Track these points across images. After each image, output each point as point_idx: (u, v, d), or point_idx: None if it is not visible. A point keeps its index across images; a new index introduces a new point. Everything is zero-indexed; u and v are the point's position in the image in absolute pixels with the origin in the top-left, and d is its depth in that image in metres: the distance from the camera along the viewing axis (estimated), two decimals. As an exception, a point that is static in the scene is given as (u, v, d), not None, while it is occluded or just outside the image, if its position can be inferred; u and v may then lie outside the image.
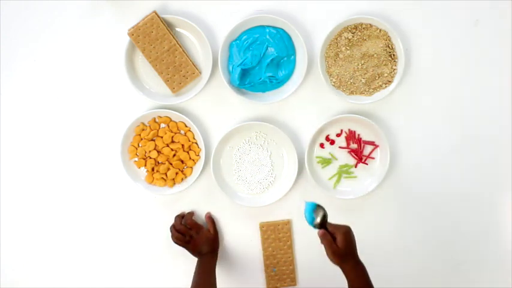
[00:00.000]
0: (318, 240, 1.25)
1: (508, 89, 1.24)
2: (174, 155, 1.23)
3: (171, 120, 1.23)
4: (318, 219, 1.07)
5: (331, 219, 1.27)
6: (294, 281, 1.28)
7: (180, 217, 1.24)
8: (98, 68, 1.23)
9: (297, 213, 1.26)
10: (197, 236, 1.21)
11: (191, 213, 1.25)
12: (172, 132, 1.23)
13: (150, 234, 1.28)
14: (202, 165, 1.22)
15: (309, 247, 1.27)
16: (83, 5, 1.21)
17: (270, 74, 1.20)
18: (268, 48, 1.20)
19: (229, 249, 1.28)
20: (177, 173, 1.23)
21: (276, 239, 1.26)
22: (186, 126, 1.23)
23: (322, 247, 1.25)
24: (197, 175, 1.22)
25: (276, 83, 1.22)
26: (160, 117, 1.23)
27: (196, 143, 1.23)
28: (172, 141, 1.23)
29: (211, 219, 1.26)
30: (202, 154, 1.22)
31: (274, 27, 1.19)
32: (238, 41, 1.19)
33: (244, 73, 1.20)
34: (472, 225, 1.28)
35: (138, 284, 1.29)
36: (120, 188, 1.26)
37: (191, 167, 1.24)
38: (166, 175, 1.23)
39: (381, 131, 1.21)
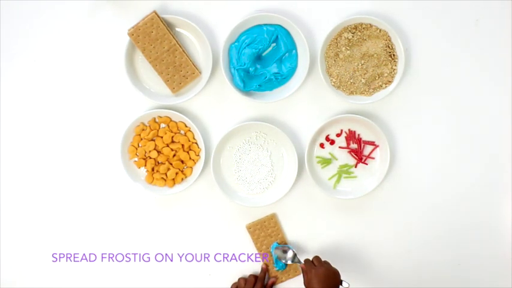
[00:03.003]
0: (322, 241, 1.26)
1: (508, 89, 1.24)
2: (174, 155, 1.23)
3: (171, 120, 1.23)
4: (290, 253, 1.23)
5: (331, 220, 1.27)
6: (297, 271, 1.28)
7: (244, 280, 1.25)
8: (98, 68, 1.23)
9: (300, 214, 1.26)
10: None
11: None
12: (172, 132, 1.23)
13: (150, 234, 1.28)
14: (202, 165, 1.22)
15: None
16: (83, 5, 1.21)
17: (275, 71, 1.20)
18: (270, 45, 1.20)
19: (229, 249, 1.28)
20: (177, 173, 1.23)
21: (267, 235, 1.26)
22: (186, 126, 1.23)
23: (326, 248, 1.26)
24: (197, 175, 1.22)
25: (282, 79, 1.22)
26: (160, 117, 1.23)
27: (196, 143, 1.23)
28: (172, 141, 1.23)
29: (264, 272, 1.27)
30: (202, 154, 1.22)
31: (271, 25, 1.19)
32: (237, 43, 1.19)
33: (248, 75, 1.20)
34: (472, 225, 1.28)
35: (138, 284, 1.29)
36: (120, 188, 1.26)
37: (191, 167, 1.24)
38: (166, 175, 1.23)
39: (380, 131, 1.21)
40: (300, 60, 1.21)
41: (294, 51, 1.21)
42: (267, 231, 1.26)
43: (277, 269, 1.26)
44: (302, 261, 1.17)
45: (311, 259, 1.17)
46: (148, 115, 1.21)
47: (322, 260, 1.17)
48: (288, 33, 1.20)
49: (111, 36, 1.21)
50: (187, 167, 1.24)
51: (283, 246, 1.24)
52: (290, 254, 1.23)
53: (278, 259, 1.24)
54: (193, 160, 1.23)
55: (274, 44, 1.21)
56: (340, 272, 1.14)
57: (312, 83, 1.23)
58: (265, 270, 1.26)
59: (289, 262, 1.23)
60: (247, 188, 1.25)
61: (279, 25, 1.20)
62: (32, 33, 1.22)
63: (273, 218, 1.26)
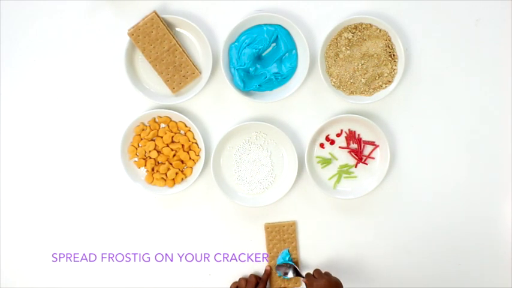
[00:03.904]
0: (323, 241, 1.26)
1: (508, 88, 1.24)
2: (174, 155, 1.23)
3: (171, 120, 1.23)
4: (290, 274, 1.23)
5: (331, 220, 1.27)
6: (298, 282, 1.28)
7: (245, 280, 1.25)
8: (98, 68, 1.23)
9: (300, 214, 1.27)
10: None
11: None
12: (172, 132, 1.23)
13: (150, 234, 1.27)
14: (202, 165, 1.22)
15: (313, 248, 1.27)
16: (83, 5, 1.21)
17: (275, 71, 1.20)
18: (270, 45, 1.20)
19: (229, 249, 1.28)
20: (177, 173, 1.23)
21: (281, 240, 1.26)
22: (186, 126, 1.23)
23: (327, 248, 1.27)
24: (197, 175, 1.22)
25: (282, 79, 1.22)
26: (160, 117, 1.23)
27: (196, 143, 1.23)
28: (172, 141, 1.23)
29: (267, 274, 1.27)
30: (202, 154, 1.22)
31: (271, 25, 1.19)
32: (236, 43, 1.19)
33: (248, 75, 1.20)
34: (472, 225, 1.28)
35: (138, 284, 1.29)
36: (120, 188, 1.26)
37: (191, 167, 1.24)
38: (166, 175, 1.23)
39: (380, 131, 1.21)
40: (300, 60, 1.21)
41: (294, 51, 1.21)
42: (282, 236, 1.26)
43: (279, 274, 1.26)
44: (304, 275, 1.18)
45: (312, 272, 1.17)
46: (148, 115, 1.21)
47: (323, 271, 1.17)
48: (288, 33, 1.20)
49: (111, 36, 1.21)
50: (187, 167, 1.24)
51: (285, 264, 1.24)
52: (291, 274, 1.23)
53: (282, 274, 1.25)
54: (193, 160, 1.23)
55: (274, 44, 1.21)
56: (340, 276, 1.14)
57: (312, 83, 1.23)
58: (268, 273, 1.26)
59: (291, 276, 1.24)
60: (247, 188, 1.25)
61: (279, 25, 1.20)
62: (32, 33, 1.22)
63: (293, 225, 1.26)
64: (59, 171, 1.26)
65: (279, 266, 1.25)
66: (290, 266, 1.24)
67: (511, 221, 1.28)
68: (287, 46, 1.20)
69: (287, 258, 1.25)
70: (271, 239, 1.26)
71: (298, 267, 1.25)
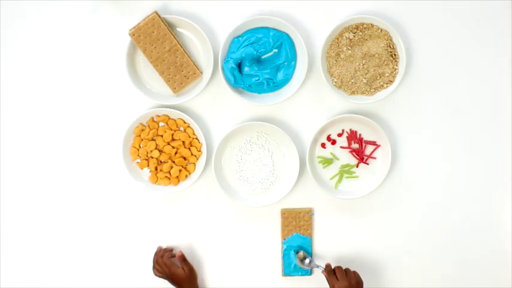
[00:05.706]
0: (323, 241, 1.26)
1: (508, 88, 1.25)
2: (176, 153, 1.23)
3: (169, 118, 1.23)
4: (307, 260, 1.24)
5: (332, 220, 1.27)
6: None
7: (164, 251, 1.24)
8: (99, 68, 1.23)
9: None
10: (173, 276, 1.20)
11: (169, 252, 1.24)
12: (171, 129, 1.23)
13: (154, 234, 1.27)
14: (205, 161, 1.22)
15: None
16: (84, 5, 1.21)
17: (268, 76, 1.20)
18: (272, 50, 1.20)
19: (229, 250, 1.28)
20: (180, 170, 1.23)
21: (297, 226, 1.26)
22: (185, 122, 1.22)
23: (327, 248, 1.26)
24: (201, 170, 1.22)
25: (273, 86, 1.21)
26: (159, 116, 1.22)
27: (196, 138, 1.23)
28: (173, 139, 1.23)
29: (182, 257, 1.23)
30: (204, 149, 1.22)
31: (278, 31, 1.19)
32: (240, 38, 1.19)
33: (241, 72, 1.20)
34: (472, 225, 1.27)
35: (140, 284, 1.28)
36: (124, 191, 1.25)
37: (194, 163, 1.23)
38: (169, 173, 1.23)
39: (382, 130, 1.21)
40: (299, 67, 1.20)
41: (293, 62, 1.21)
42: (298, 223, 1.26)
43: (294, 255, 1.26)
44: (319, 264, 1.19)
45: (332, 266, 1.18)
46: (146, 115, 1.21)
47: (344, 267, 1.17)
48: (292, 44, 1.19)
49: (112, 36, 1.22)
50: (190, 163, 1.24)
51: (302, 253, 1.25)
52: (308, 260, 1.24)
53: (297, 264, 1.25)
54: (195, 156, 1.23)
55: (275, 50, 1.21)
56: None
57: (313, 83, 1.23)
58: (181, 259, 1.23)
59: (305, 267, 1.25)
60: (248, 188, 1.25)
61: (286, 34, 1.19)
62: (32, 33, 1.22)
63: (310, 212, 1.26)
64: (60, 172, 1.26)
65: (298, 250, 1.25)
66: (306, 256, 1.25)
67: (511, 221, 1.28)
68: (288, 56, 1.19)
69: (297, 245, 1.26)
70: (286, 224, 1.26)
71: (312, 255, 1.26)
